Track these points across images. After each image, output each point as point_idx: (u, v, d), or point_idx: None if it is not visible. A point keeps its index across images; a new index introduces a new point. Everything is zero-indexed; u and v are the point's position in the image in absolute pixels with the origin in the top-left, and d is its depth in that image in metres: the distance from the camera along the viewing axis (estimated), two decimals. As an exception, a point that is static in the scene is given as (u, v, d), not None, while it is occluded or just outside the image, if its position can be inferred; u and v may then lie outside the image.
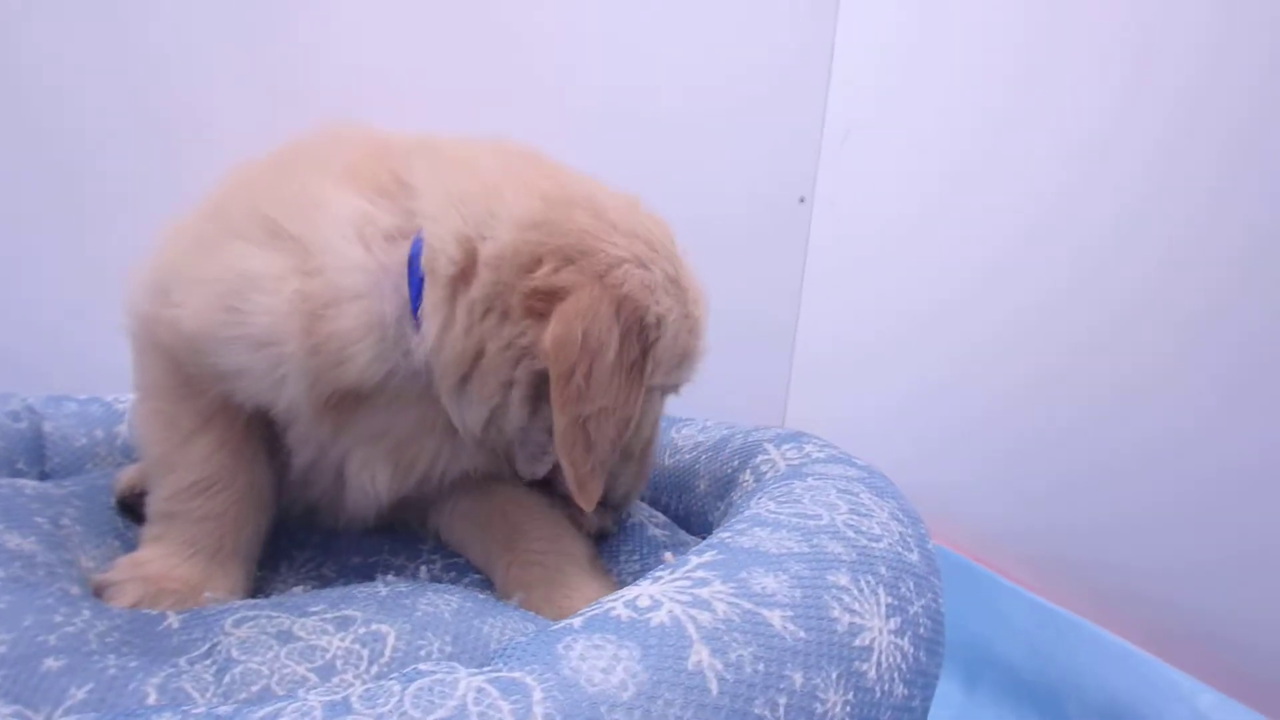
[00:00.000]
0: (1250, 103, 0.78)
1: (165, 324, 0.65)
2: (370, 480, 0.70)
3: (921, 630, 0.51)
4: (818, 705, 0.41)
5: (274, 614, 0.57)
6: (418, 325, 0.63)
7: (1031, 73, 1.03)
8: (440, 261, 0.62)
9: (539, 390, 0.63)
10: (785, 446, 0.79)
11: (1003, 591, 0.91)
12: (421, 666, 0.40)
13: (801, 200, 1.47)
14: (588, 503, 0.64)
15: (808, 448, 0.78)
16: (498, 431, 0.67)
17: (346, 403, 0.66)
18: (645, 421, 0.74)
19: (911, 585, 0.53)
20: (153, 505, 0.69)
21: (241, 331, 0.62)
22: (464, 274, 0.62)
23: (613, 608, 0.44)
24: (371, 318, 0.62)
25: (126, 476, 0.82)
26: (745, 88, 1.41)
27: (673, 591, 0.45)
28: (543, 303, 0.61)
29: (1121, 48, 0.91)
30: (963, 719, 0.82)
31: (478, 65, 1.26)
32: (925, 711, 0.50)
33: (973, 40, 1.14)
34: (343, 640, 0.54)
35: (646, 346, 0.65)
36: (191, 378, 0.67)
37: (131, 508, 0.78)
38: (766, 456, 0.78)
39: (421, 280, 0.62)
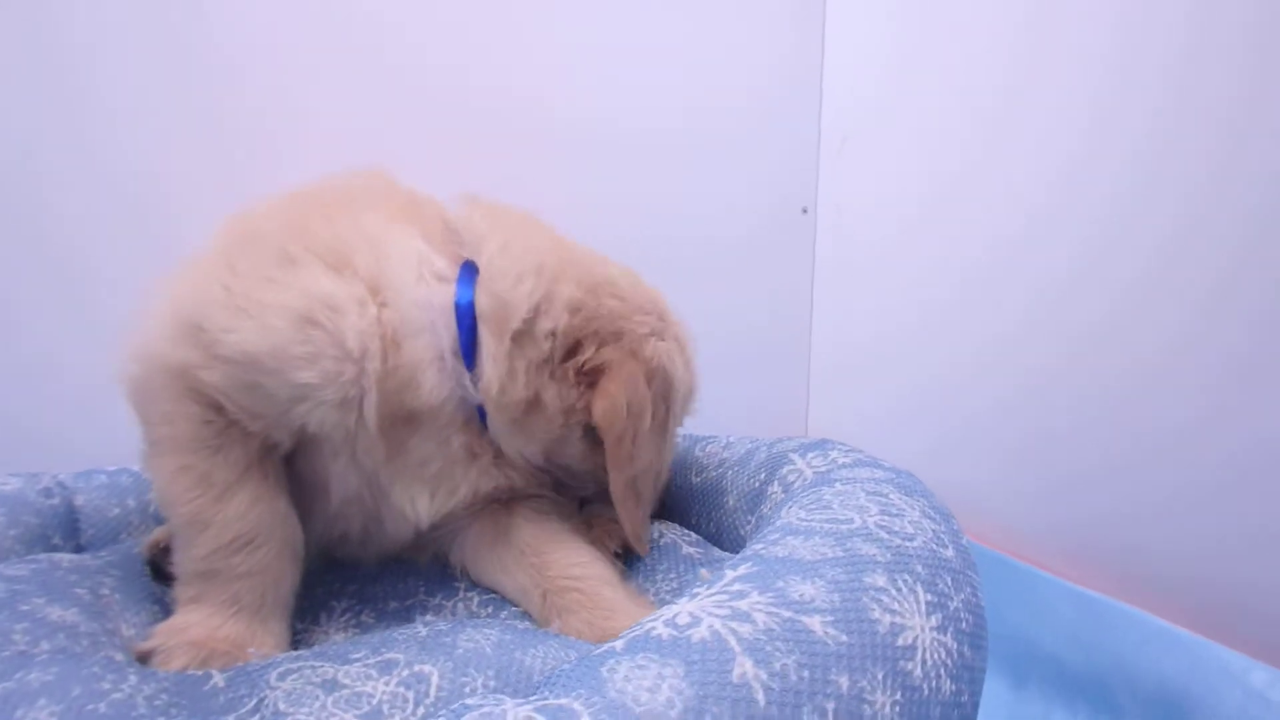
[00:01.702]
0: (1235, 93, 0.78)
1: (210, 361, 0.65)
2: (411, 504, 0.73)
3: (964, 625, 0.51)
4: (866, 708, 0.41)
5: (317, 664, 0.57)
6: (468, 362, 0.71)
7: (1020, 68, 1.04)
8: (511, 321, 0.70)
9: (590, 432, 0.75)
10: (811, 455, 0.79)
11: (1041, 583, 0.90)
12: (468, 701, 0.40)
13: (805, 211, 1.48)
14: (643, 548, 0.77)
15: (833, 454, 0.78)
16: (549, 461, 0.77)
17: (399, 427, 0.70)
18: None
19: (949, 581, 0.53)
20: (186, 565, 0.68)
21: (323, 346, 0.64)
22: (522, 335, 0.71)
23: (653, 627, 0.44)
24: (433, 351, 0.69)
25: (152, 536, 0.83)
26: (740, 105, 1.43)
27: (711, 606, 0.45)
28: (590, 375, 0.73)
29: (1110, 41, 0.92)
30: (1013, 717, 0.80)
31: (480, 100, 1.28)
32: (975, 705, 0.49)
33: (957, 41, 1.15)
34: (387, 684, 0.54)
35: (670, 404, 0.78)
36: (229, 425, 0.67)
37: (158, 566, 0.79)
38: (793, 466, 0.78)
39: (472, 323, 0.71)
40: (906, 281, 1.27)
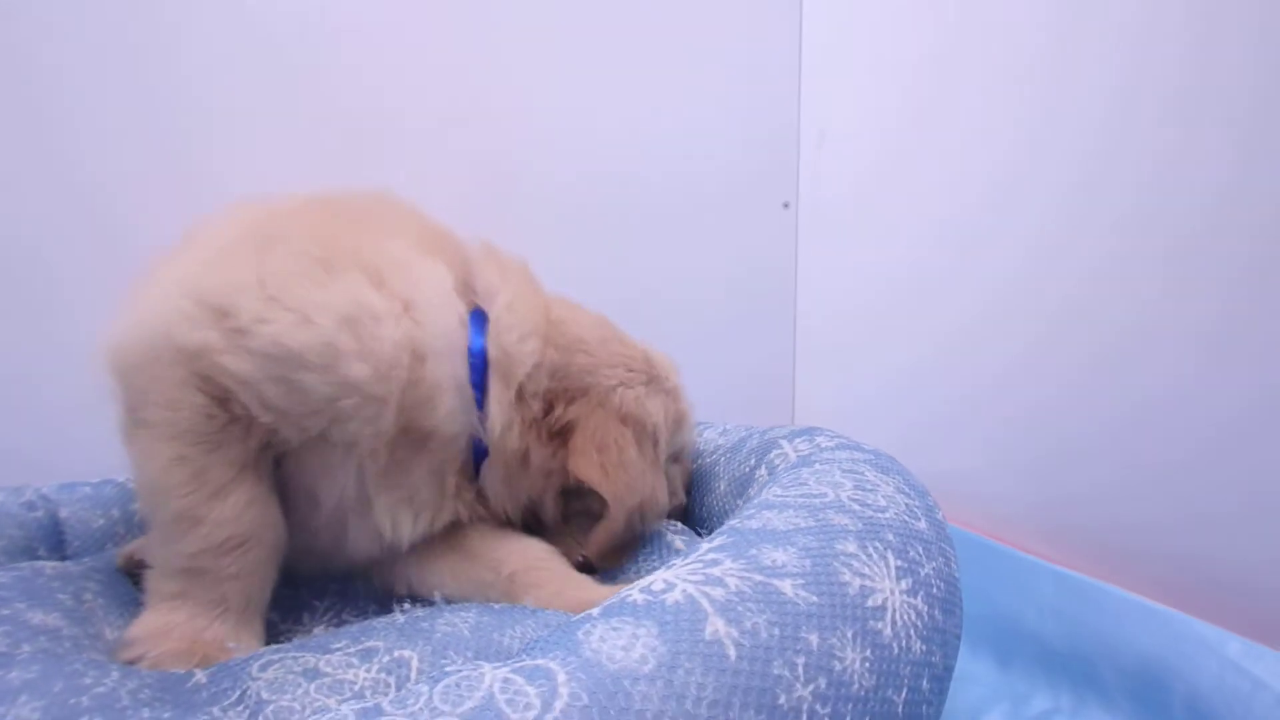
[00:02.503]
0: (1248, 97, 0.79)
1: (234, 349, 0.63)
2: (391, 523, 0.73)
3: (935, 591, 0.51)
4: (836, 663, 0.42)
5: (299, 654, 0.58)
6: (478, 399, 0.73)
7: (997, 58, 1.06)
8: (515, 376, 0.75)
9: (565, 494, 0.79)
10: (798, 440, 0.81)
11: (1024, 566, 0.91)
12: (448, 668, 0.41)
13: (786, 205, 1.50)
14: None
15: (819, 439, 0.79)
16: (531, 515, 0.80)
17: (406, 445, 0.70)
18: (675, 486, 0.88)
19: (921, 549, 0.54)
20: (169, 561, 0.66)
21: (372, 345, 0.65)
22: (520, 392, 0.75)
23: (629, 594, 0.45)
24: (452, 377, 0.71)
25: (128, 549, 0.83)
26: (719, 100, 1.45)
27: (685, 574, 0.46)
28: (562, 434, 0.77)
29: (1084, 29, 0.94)
30: (999, 695, 0.81)
31: (448, 105, 1.29)
32: (948, 669, 0.50)
33: (934, 32, 1.18)
34: (369, 671, 0.55)
35: (656, 441, 0.81)
36: (232, 421, 0.65)
37: (137, 578, 0.78)
38: (780, 451, 0.80)
39: (483, 364, 0.74)
40: (886, 271, 1.29)
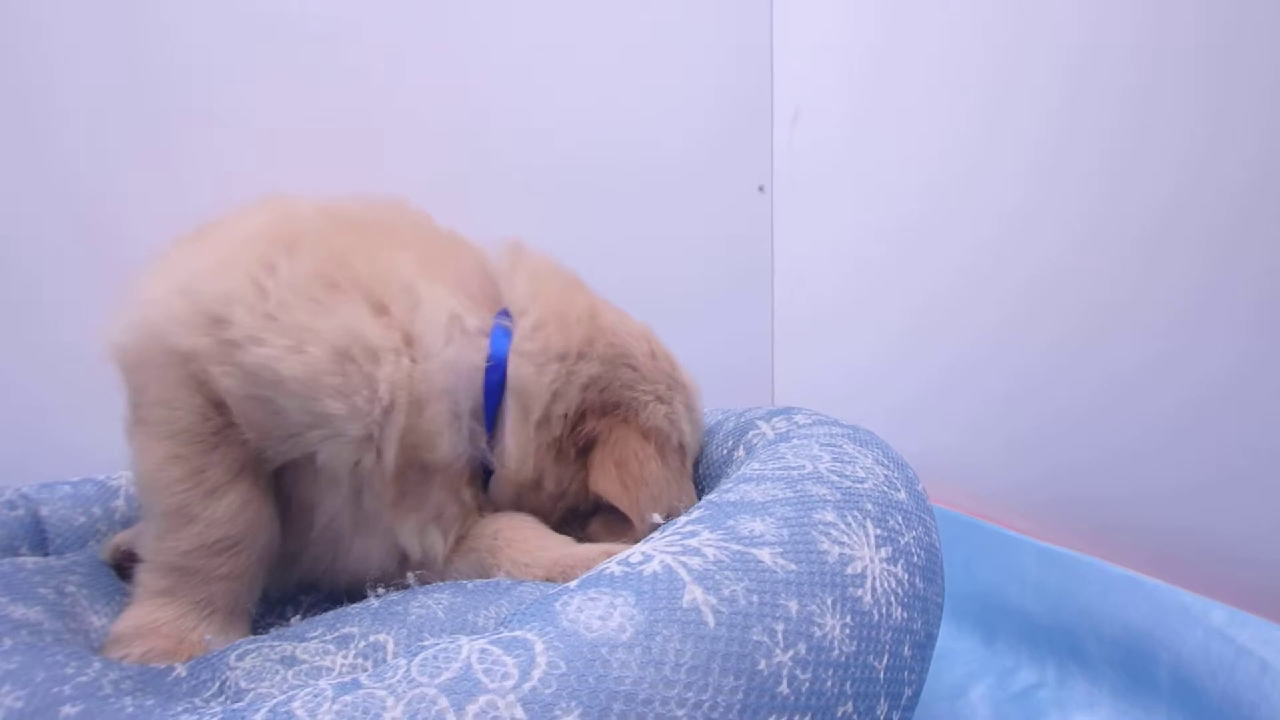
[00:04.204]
0: (1215, 70, 0.79)
1: (224, 360, 0.62)
2: (419, 541, 0.72)
3: (915, 559, 0.52)
4: (816, 629, 0.42)
5: (275, 643, 0.57)
6: (488, 425, 0.73)
7: (971, 30, 1.07)
8: (534, 409, 0.73)
9: (575, 511, 0.78)
10: (775, 419, 0.81)
11: (1008, 542, 0.91)
12: (425, 642, 0.41)
13: (761, 188, 1.50)
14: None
15: (796, 417, 0.80)
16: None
17: (412, 474, 0.70)
18: None
19: (900, 519, 0.54)
20: (160, 556, 0.65)
21: (358, 384, 0.64)
22: (541, 421, 0.73)
23: (607, 567, 0.45)
24: (453, 413, 0.70)
25: (114, 540, 0.82)
26: (691, 82, 1.44)
27: (663, 546, 0.46)
28: (584, 451, 0.75)
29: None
30: (986, 671, 0.81)
31: (430, 98, 1.29)
32: (930, 636, 0.50)
33: (904, 11, 1.18)
34: (345, 657, 0.54)
35: (684, 454, 0.81)
36: (230, 424, 0.64)
37: (123, 570, 0.77)
38: (758, 431, 0.80)
39: (500, 382, 0.72)
40: (863, 251, 1.30)
